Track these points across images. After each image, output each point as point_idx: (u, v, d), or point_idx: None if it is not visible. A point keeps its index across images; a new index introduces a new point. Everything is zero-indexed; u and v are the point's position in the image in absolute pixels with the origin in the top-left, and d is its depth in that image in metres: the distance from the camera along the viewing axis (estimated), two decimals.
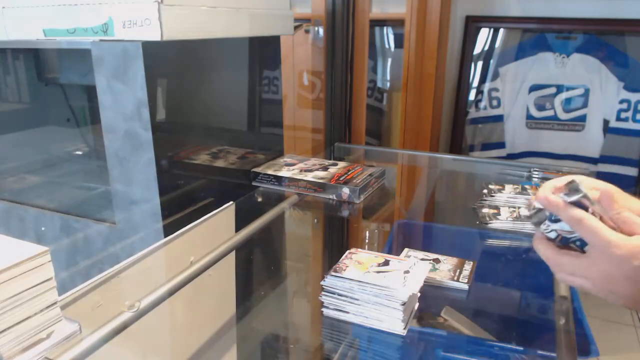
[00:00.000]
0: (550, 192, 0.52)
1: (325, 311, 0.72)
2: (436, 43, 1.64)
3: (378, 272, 0.73)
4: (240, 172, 1.15)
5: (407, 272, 0.73)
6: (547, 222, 0.54)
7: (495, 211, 1.04)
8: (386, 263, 0.75)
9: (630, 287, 0.47)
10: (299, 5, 1.58)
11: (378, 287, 0.69)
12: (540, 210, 0.54)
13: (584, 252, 0.52)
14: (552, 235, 0.54)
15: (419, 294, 0.72)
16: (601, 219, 0.50)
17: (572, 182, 0.51)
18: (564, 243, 0.54)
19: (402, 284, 0.69)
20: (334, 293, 0.71)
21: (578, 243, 0.53)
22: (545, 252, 0.54)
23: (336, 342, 0.70)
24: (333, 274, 0.72)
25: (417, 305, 0.73)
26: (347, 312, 0.70)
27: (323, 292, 0.72)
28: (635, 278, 0.47)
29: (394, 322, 0.68)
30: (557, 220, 0.53)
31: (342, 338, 0.71)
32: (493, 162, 1.61)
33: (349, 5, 1.52)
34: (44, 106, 1.36)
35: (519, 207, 1.06)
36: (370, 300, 0.69)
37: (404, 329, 0.68)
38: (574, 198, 0.51)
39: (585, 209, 0.50)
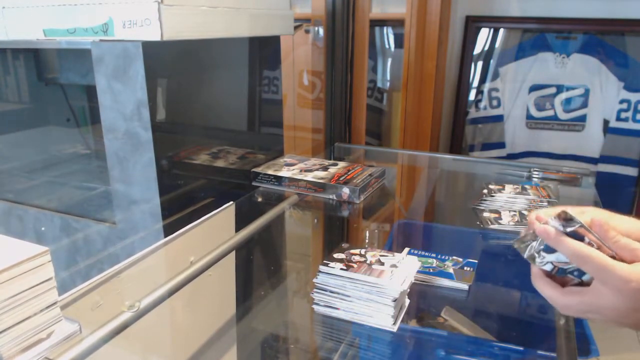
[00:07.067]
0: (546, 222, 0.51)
1: (316, 308, 0.72)
2: (436, 43, 1.64)
3: (370, 268, 0.73)
4: (240, 172, 1.15)
5: (397, 267, 0.73)
6: (542, 253, 0.52)
7: (496, 215, 1.04)
8: (378, 260, 0.75)
9: None
10: (299, 5, 1.58)
11: (370, 283, 0.69)
12: (533, 240, 0.52)
13: (582, 280, 0.51)
14: (548, 267, 0.52)
15: (408, 290, 0.72)
16: (598, 247, 0.48)
17: (563, 211, 0.50)
18: (560, 274, 0.52)
19: (393, 281, 0.69)
20: (325, 290, 0.71)
21: (576, 273, 0.51)
22: (550, 293, 0.52)
23: (336, 342, 0.70)
24: (324, 269, 0.72)
25: (407, 302, 0.73)
26: (337, 309, 0.71)
27: (315, 289, 0.72)
28: None
29: (384, 318, 0.68)
30: (551, 251, 0.51)
31: (341, 338, 0.71)
32: (493, 162, 1.61)
33: (349, 5, 1.52)
34: (44, 106, 1.36)
35: (519, 211, 1.06)
36: (362, 296, 0.69)
37: (394, 324, 0.68)
38: (571, 228, 0.49)
39: (581, 238, 0.49)
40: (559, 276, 0.52)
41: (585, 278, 0.50)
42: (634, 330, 0.49)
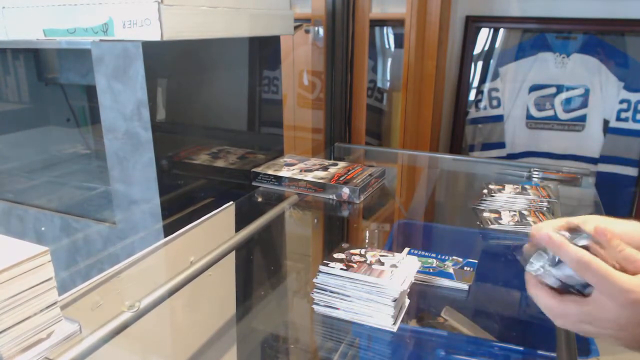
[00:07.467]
0: (552, 230, 0.49)
1: (316, 308, 0.72)
2: (436, 43, 1.64)
3: (370, 268, 0.73)
4: (240, 172, 1.15)
5: (397, 267, 0.73)
6: (546, 266, 0.50)
7: (496, 215, 1.04)
8: (378, 260, 0.75)
9: None
10: (299, 5, 1.58)
11: (370, 283, 0.69)
12: (536, 251, 0.51)
13: (584, 295, 0.49)
14: (550, 281, 0.50)
15: (408, 290, 0.72)
16: (601, 256, 0.47)
17: (570, 221, 0.49)
18: (562, 289, 0.50)
19: (393, 281, 0.69)
20: (325, 290, 0.71)
21: (577, 287, 0.49)
22: (546, 301, 0.50)
23: (336, 342, 0.70)
24: (324, 269, 0.72)
25: (407, 302, 0.74)
26: (337, 309, 0.71)
27: (315, 289, 0.72)
28: None
29: (384, 318, 0.68)
30: (555, 264, 0.49)
31: (341, 338, 0.71)
32: (493, 162, 1.61)
33: (349, 5, 1.52)
34: (44, 106, 1.36)
35: (519, 211, 1.06)
36: (362, 296, 0.69)
37: (394, 324, 0.68)
38: (582, 242, 0.48)
39: (586, 248, 0.48)
40: (560, 290, 0.51)
41: (587, 292, 0.49)
42: (630, 349, 0.47)
